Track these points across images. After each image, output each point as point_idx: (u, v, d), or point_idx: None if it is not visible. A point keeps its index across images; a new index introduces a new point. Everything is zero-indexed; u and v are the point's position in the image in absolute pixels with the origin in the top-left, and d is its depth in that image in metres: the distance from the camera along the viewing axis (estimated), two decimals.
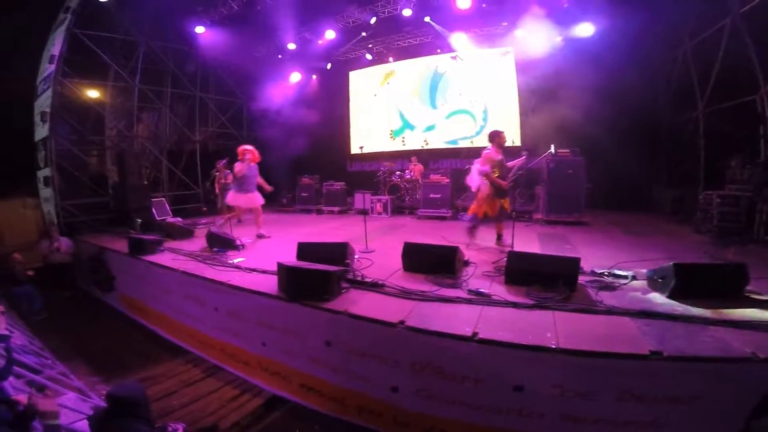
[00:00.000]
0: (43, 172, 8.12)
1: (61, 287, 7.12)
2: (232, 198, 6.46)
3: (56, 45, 7.81)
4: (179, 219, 7.84)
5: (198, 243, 5.95)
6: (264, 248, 5.77)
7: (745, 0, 5.85)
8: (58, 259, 7.05)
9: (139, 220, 6.95)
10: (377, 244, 5.42)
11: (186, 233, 6.55)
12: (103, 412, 2.26)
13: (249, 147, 6.49)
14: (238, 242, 5.46)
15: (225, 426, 3.50)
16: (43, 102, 8.01)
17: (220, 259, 4.96)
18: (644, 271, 3.75)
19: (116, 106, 9.33)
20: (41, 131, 8.06)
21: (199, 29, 9.26)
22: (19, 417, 2.17)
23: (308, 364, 3.64)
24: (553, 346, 2.55)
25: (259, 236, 6.47)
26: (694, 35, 7.28)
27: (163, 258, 5.28)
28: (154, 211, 8.20)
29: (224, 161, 8.02)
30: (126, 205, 7.78)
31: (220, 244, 5.34)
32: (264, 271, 4.30)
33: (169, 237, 6.25)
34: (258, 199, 6.66)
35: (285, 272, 3.57)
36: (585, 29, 7.99)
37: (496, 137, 5.30)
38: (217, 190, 8.01)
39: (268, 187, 6.87)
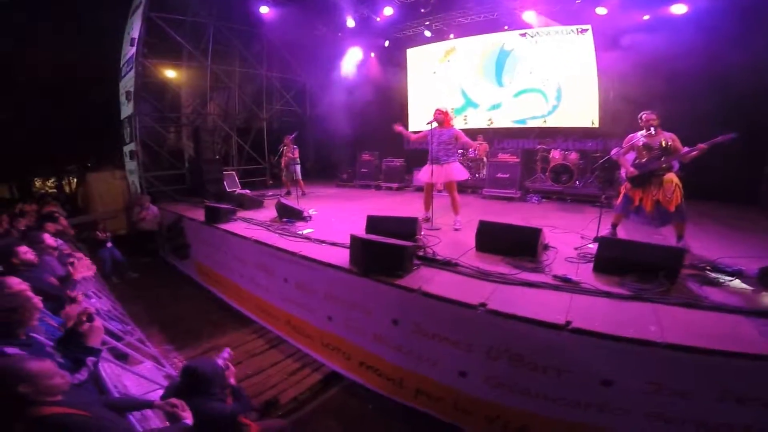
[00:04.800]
0: (129, 147, 8.83)
1: (146, 253, 7.76)
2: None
3: (135, 28, 8.31)
4: (247, 191, 8.18)
5: (267, 213, 6.14)
6: (330, 220, 5.81)
7: None
8: (146, 226, 7.68)
9: (213, 191, 7.30)
10: (442, 221, 5.24)
11: (256, 203, 6.83)
12: (176, 387, 2.28)
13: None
14: (306, 213, 5.55)
15: (284, 400, 3.57)
16: (127, 82, 8.64)
17: (290, 229, 5.07)
18: (750, 267, 3.29)
19: (191, 85, 9.83)
20: (126, 109, 8.75)
21: (264, 9, 9.41)
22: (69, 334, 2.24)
23: (371, 342, 3.63)
24: (659, 341, 2.30)
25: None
26: None
27: (237, 227, 5.50)
28: (225, 183, 8.63)
29: (293, 136, 8.19)
30: (201, 177, 8.27)
31: (290, 214, 5.46)
32: (334, 243, 4.31)
33: (240, 207, 6.53)
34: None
35: (359, 245, 3.53)
36: (677, 8, 7.06)
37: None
38: (283, 165, 8.22)
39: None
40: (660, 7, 7.23)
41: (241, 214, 6.16)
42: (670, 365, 2.34)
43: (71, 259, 3.53)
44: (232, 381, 2.56)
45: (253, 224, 5.50)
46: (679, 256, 3.06)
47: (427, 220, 5.28)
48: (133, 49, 8.24)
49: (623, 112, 7.23)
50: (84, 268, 3.46)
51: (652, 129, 4.12)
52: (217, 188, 7.95)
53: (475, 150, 8.98)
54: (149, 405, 2.17)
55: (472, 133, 9.71)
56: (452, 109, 10.54)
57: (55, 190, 12.55)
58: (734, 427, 2.29)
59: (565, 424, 2.72)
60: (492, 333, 2.86)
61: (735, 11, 6.42)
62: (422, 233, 4.45)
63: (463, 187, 8.61)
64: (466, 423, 3.12)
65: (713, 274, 3.33)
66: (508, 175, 7.68)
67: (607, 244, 3.35)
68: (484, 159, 8.67)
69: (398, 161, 9.66)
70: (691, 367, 2.30)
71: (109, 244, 6.64)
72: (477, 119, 10.26)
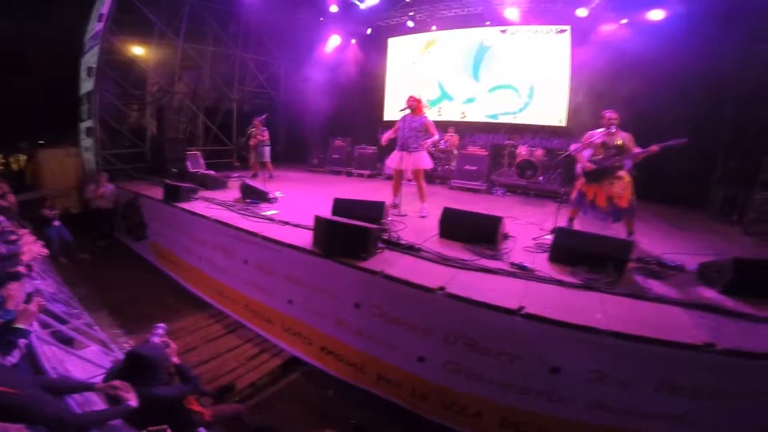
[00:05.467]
0: (86, 124, 8.37)
1: (99, 233, 7.36)
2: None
3: (105, 4, 7.90)
4: (212, 171, 7.91)
5: (231, 194, 5.97)
6: (296, 203, 5.73)
7: None
8: (101, 204, 7.27)
9: (175, 170, 7.02)
10: (409, 208, 5.31)
11: (220, 183, 6.63)
12: (119, 371, 2.17)
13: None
14: (271, 195, 5.43)
15: (241, 386, 3.51)
16: (90, 58, 8.22)
17: (254, 210, 4.95)
18: (690, 263, 3.54)
19: (159, 63, 9.40)
20: (86, 85, 8.29)
21: None
22: None
23: (333, 326, 3.61)
24: (604, 329, 2.42)
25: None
26: None
27: (197, 206, 5.32)
28: (188, 163, 8.31)
29: (262, 118, 7.98)
30: (162, 155, 7.94)
31: (254, 195, 5.34)
32: (297, 225, 4.25)
33: (203, 186, 6.31)
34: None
35: (323, 226, 3.49)
36: (655, 14, 7.36)
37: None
38: (252, 145, 8.00)
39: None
40: (638, 12, 7.47)
41: (203, 193, 5.96)
42: (612, 353, 2.46)
43: (13, 237, 3.29)
44: (175, 359, 2.46)
45: (214, 204, 5.33)
46: (627, 248, 3.23)
47: (395, 206, 5.30)
48: (101, 25, 7.82)
49: (590, 113, 7.49)
50: (32, 246, 3.24)
51: (612, 128, 4.28)
52: (180, 167, 7.64)
53: (445, 141, 9.12)
54: (89, 387, 2.07)
55: (444, 125, 9.83)
56: (428, 100, 10.63)
57: (1, 167, 11.70)
58: (670, 417, 2.43)
59: (516, 411, 2.82)
60: (450, 317, 2.91)
61: (704, 22, 6.74)
62: (389, 218, 4.45)
63: (432, 178, 8.72)
64: (425, 409, 3.17)
65: (658, 268, 3.53)
66: (476, 168, 7.84)
67: (562, 234, 3.48)
68: (454, 151, 8.80)
69: (371, 149, 9.63)
70: (632, 356, 2.42)
71: (57, 223, 6.24)
72: (451, 112, 10.37)
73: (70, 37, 8.76)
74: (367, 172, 9.46)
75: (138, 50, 8.97)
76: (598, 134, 4.40)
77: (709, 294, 3.07)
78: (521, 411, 2.79)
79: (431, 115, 10.57)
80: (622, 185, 4.21)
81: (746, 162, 7.26)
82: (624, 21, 7.68)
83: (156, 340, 2.45)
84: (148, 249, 6.49)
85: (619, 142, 4.27)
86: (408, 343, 3.16)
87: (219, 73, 10.61)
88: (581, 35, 8.27)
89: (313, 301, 3.73)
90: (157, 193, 6.07)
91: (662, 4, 7.23)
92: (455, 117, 10.22)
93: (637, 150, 4.20)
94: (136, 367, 2.11)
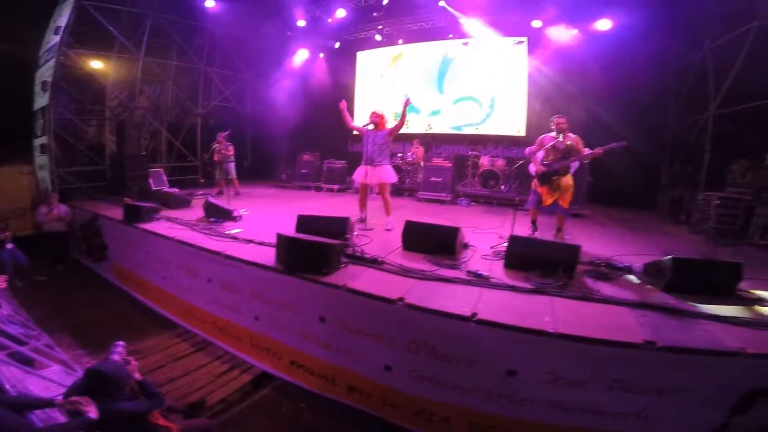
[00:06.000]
0: (40, 140, 8.03)
1: (55, 256, 7.04)
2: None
3: (63, 16, 7.70)
4: (176, 189, 7.75)
5: (195, 213, 5.88)
6: (262, 221, 5.70)
7: None
8: (54, 227, 6.93)
9: (136, 188, 6.84)
10: (376, 222, 5.39)
11: (183, 202, 6.49)
12: (79, 388, 2.16)
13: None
14: (235, 213, 5.39)
15: (212, 402, 3.48)
16: (45, 72, 7.92)
17: (217, 229, 4.90)
18: (639, 264, 3.76)
19: (119, 77, 9.17)
20: (41, 100, 7.97)
21: (209, 3, 9.05)
22: None
23: (300, 340, 3.63)
24: (551, 331, 2.55)
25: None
26: (715, 37, 7.15)
27: (159, 226, 5.21)
28: (150, 180, 8.11)
29: (226, 133, 7.90)
30: (123, 173, 7.70)
31: (218, 214, 5.28)
32: (262, 243, 4.26)
33: (165, 206, 6.18)
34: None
35: (284, 243, 3.53)
36: (603, 24, 7.86)
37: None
38: (217, 161, 7.89)
39: None
40: (587, 23, 7.95)
41: (166, 213, 5.83)
42: (563, 355, 2.57)
43: None
44: (137, 375, 2.44)
45: (177, 224, 5.24)
46: (575, 252, 3.42)
47: (362, 220, 5.37)
48: (57, 38, 7.59)
49: (546, 121, 7.88)
50: None
51: (561, 132, 4.58)
52: (141, 186, 7.44)
53: (412, 154, 9.32)
54: (50, 403, 2.08)
55: (411, 138, 10.06)
56: (395, 113, 10.84)
57: None
58: (627, 415, 2.54)
59: (481, 415, 2.89)
60: (411, 327, 2.99)
61: (647, 32, 7.23)
62: (355, 233, 4.54)
63: (400, 190, 8.88)
64: (397, 417, 3.22)
65: (607, 270, 3.75)
66: (441, 179, 8.04)
67: (515, 242, 3.65)
68: (421, 163, 8.99)
69: (340, 163, 9.64)
70: (582, 356, 2.53)
71: (10, 245, 5.95)
72: (417, 124, 10.59)
73: (24, 51, 8.39)
74: (336, 187, 9.46)
75: (97, 64, 8.73)
76: (549, 138, 4.69)
77: (653, 293, 3.26)
78: (486, 414, 2.87)
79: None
80: (567, 188, 4.57)
81: (688, 165, 7.81)
82: (575, 31, 8.13)
83: (116, 357, 2.43)
84: (110, 270, 6.26)
85: (570, 144, 4.57)
86: (374, 354, 3.22)
87: (182, 87, 10.46)
88: (537, 46, 8.70)
89: (279, 316, 3.74)
90: (117, 213, 5.89)
91: (609, 15, 7.70)
92: (422, 129, 10.45)
93: (585, 152, 4.50)
94: (95, 383, 2.11)
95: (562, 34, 8.11)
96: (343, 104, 5.47)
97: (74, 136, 8.35)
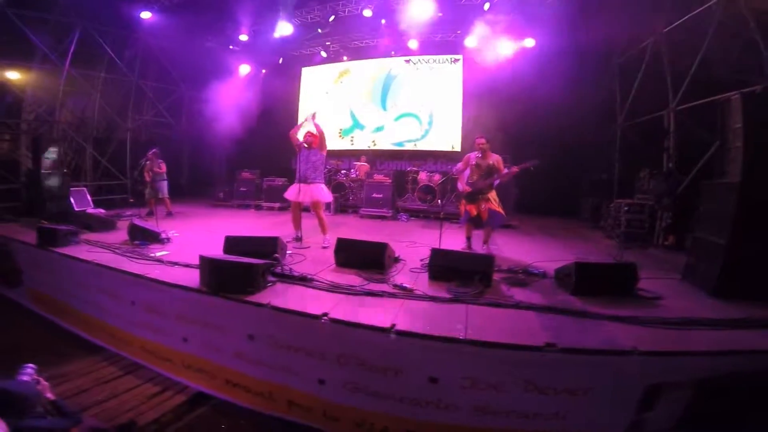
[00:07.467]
0: None
1: None
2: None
3: None
4: (101, 210, 7.28)
5: (120, 235, 5.58)
6: (193, 242, 5.52)
7: (670, 20, 6.49)
8: None
9: (54, 210, 6.36)
10: (313, 240, 5.43)
11: (107, 224, 6.09)
12: None
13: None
14: (163, 235, 5.20)
15: (144, 422, 3.32)
16: None
17: (142, 252, 4.70)
18: (554, 269, 4.07)
19: (39, 88, 8.55)
20: None
21: (145, 14, 8.73)
22: None
23: (232, 359, 3.56)
24: (461, 337, 2.70)
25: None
26: (621, 53, 8.01)
27: (78, 250, 4.90)
28: (72, 200, 7.55)
29: (155, 150, 7.57)
30: (40, 193, 7.09)
31: (143, 236, 5.05)
32: (187, 265, 4.15)
33: (87, 228, 5.78)
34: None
35: (206, 265, 3.49)
36: (528, 42, 8.52)
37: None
38: (147, 179, 7.52)
39: None
40: (515, 42, 8.61)
41: (87, 236, 5.48)
42: (476, 360, 2.71)
43: None
44: (50, 395, 2.32)
45: (97, 247, 4.95)
46: (490, 262, 3.69)
47: (298, 239, 5.39)
48: None
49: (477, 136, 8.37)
50: None
51: (482, 152, 4.91)
52: (61, 206, 6.91)
53: (356, 170, 9.47)
54: None
55: (356, 154, 10.23)
56: (340, 129, 10.99)
57: None
58: (546, 415, 2.65)
59: (414, 423, 2.97)
60: (338, 340, 3.04)
61: (567, 52, 7.96)
62: (289, 252, 4.57)
63: (344, 207, 8.97)
64: (339, 430, 3.22)
65: (523, 277, 4.06)
66: (381, 195, 8.26)
67: (436, 254, 3.87)
68: (365, 180, 9.15)
69: (280, 180, 9.50)
70: (495, 361, 2.68)
71: None
72: (362, 141, 10.80)
73: None
74: (277, 205, 9.27)
75: (12, 74, 8.11)
76: (473, 156, 5.01)
77: (562, 296, 3.56)
78: (419, 422, 2.94)
79: (344, 144, 10.97)
80: (492, 204, 4.89)
81: (604, 173, 8.65)
82: (506, 50, 8.74)
83: (24, 378, 2.30)
84: (26, 296, 5.75)
85: (491, 162, 4.92)
86: (307, 368, 3.22)
87: (111, 100, 9.90)
88: (471, 63, 9.25)
89: (208, 337, 3.66)
90: (32, 236, 5.45)
91: (533, 35, 8.42)
92: (366, 146, 10.67)
93: (504, 171, 4.85)
94: (4, 403, 1.97)
95: (493, 52, 8.67)
96: (314, 117, 5.53)
97: None
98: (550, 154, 7.97)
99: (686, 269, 4.19)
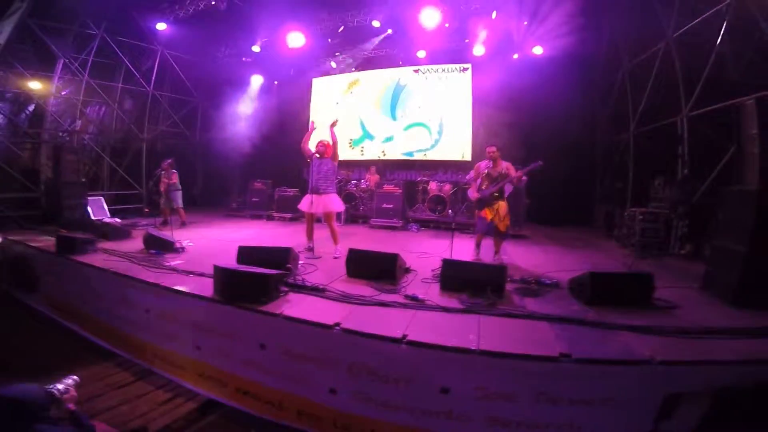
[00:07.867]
0: None
1: None
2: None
3: (2, 34, 7.36)
4: (117, 219, 7.44)
5: (135, 244, 5.69)
6: (206, 251, 5.60)
7: (679, 24, 6.40)
8: None
9: (72, 218, 6.51)
10: (325, 250, 5.45)
11: (122, 234, 6.23)
12: None
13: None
14: (177, 245, 5.28)
15: (154, 428, 3.36)
16: None
17: (157, 260, 4.79)
18: (567, 280, 4.04)
19: (60, 98, 8.81)
20: None
21: (161, 26, 9.00)
22: None
23: (243, 367, 3.59)
24: (474, 348, 2.69)
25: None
26: (632, 57, 7.94)
27: (94, 258, 5.01)
28: (89, 209, 7.73)
29: (170, 160, 7.72)
30: (59, 202, 7.28)
31: (158, 245, 5.15)
32: (201, 274, 4.21)
33: (103, 237, 5.92)
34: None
35: (220, 274, 3.54)
36: (537, 49, 8.53)
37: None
38: (162, 189, 7.67)
39: None
40: (524, 50, 8.62)
41: (104, 244, 5.60)
42: (488, 370, 2.69)
43: None
44: (71, 406, 2.37)
45: (113, 255, 5.06)
46: (502, 272, 3.66)
47: (310, 249, 5.42)
48: None
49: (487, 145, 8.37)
50: None
51: (493, 160, 4.91)
52: (78, 215, 7.08)
53: (366, 181, 9.52)
54: None
55: (366, 165, 10.28)
56: (351, 140, 11.07)
57: None
58: (559, 426, 2.62)
59: None
60: (350, 350, 3.05)
61: (576, 59, 7.93)
62: (301, 262, 4.61)
63: (354, 217, 9.00)
64: None
65: (536, 287, 4.02)
66: (392, 206, 8.27)
67: (448, 265, 3.85)
68: (375, 190, 9.19)
69: (292, 191, 9.52)
70: (506, 371, 2.65)
71: None
72: (372, 151, 10.84)
73: None
74: (288, 215, 9.30)
75: (35, 84, 8.34)
76: (484, 164, 5.02)
77: (576, 307, 3.52)
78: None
79: (354, 154, 11.04)
80: (503, 213, 4.88)
81: (617, 181, 8.51)
82: (515, 56, 8.77)
83: (60, 386, 2.39)
84: (42, 301, 5.89)
85: (502, 171, 4.94)
86: (318, 378, 3.23)
87: (127, 110, 10.19)
88: (480, 72, 9.29)
89: (221, 345, 3.70)
90: (51, 244, 5.60)
91: (541, 42, 8.42)
92: (376, 156, 10.70)
93: (514, 175, 4.87)
94: (8, 411, 2.02)
95: (502, 60, 8.74)
96: (312, 126, 5.66)
97: (6, 160, 7.90)
98: (562, 162, 7.96)
99: (705, 278, 4.09)
